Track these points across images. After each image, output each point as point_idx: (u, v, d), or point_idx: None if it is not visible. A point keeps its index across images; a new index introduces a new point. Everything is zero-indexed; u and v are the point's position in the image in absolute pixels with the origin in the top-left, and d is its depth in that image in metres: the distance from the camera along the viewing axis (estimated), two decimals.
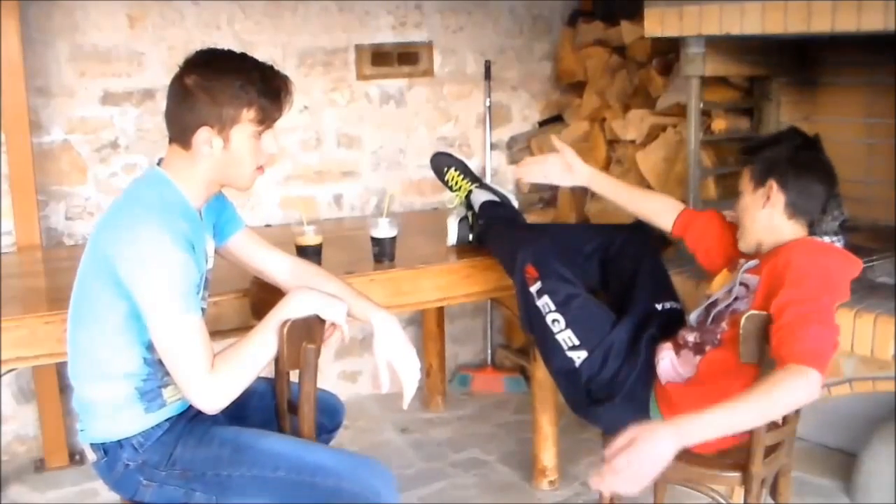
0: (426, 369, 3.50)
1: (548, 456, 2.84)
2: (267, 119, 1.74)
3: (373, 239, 2.56)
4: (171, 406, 1.81)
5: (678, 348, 2.05)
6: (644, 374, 2.06)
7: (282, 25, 3.31)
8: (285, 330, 1.73)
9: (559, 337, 2.14)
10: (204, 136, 1.70)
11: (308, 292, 1.81)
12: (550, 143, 2.49)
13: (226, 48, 1.80)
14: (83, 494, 2.82)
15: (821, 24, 2.33)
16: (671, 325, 2.17)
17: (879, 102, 2.90)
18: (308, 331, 1.77)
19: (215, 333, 2.27)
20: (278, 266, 2.05)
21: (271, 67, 1.76)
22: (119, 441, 1.78)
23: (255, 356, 1.73)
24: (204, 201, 1.82)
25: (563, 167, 2.39)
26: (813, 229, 2.00)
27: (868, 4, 2.21)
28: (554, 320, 2.15)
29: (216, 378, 1.67)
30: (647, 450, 1.51)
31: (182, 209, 1.74)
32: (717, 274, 2.27)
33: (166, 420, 1.81)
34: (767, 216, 2.00)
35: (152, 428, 1.79)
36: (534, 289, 2.19)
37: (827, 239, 1.99)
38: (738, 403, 1.63)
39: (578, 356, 2.12)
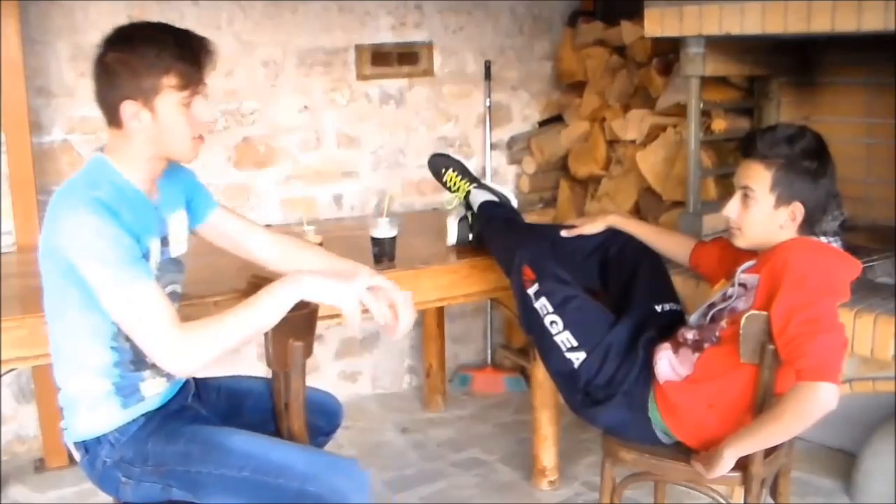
0: (426, 369, 3.50)
1: (548, 456, 2.84)
2: (190, 84, 1.69)
3: (373, 239, 2.56)
4: (149, 401, 1.80)
5: (677, 346, 2.05)
6: (642, 374, 2.06)
7: (282, 25, 3.31)
8: (270, 329, 1.69)
9: (557, 338, 2.14)
10: (130, 111, 1.67)
11: (318, 277, 1.71)
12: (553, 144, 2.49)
13: (142, 20, 1.78)
14: (83, 494, 2.82)
15: (821, 24, 2.33)
16: (671, 327, 2.17)
17: (879, 102, 2.91)
18: (294, 328, 1.74)
19: None
20: (259, 243, 2.03)
21: (187, 32, 1.73)
22: (98, 438, 1.77)
23: (239, 318, 1.65)
24: (151, 180, 1.79)
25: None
26: (813, 230, 1.99)
27: (868, 4, 2.21)
28: (552, 322, 2.14)
29: (184, 334, 1.61)
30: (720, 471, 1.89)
31: (121, 188, 1.71)
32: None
33: (142, 415, 1.79)
34: (781, 231, 1.97)
35: (128, 423, 1.77)
36: (531, 290, 2.19)
37: (825, 239, 1.99)
38: (773, 424, 1.82)
39: (577, 357, 2.11)
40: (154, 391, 1.81)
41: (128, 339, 1.69)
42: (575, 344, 2.12)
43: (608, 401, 2.08)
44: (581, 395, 2.14)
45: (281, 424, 1.94)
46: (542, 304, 2.16)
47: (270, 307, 1.67)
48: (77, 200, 1.63)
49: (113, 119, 1.71)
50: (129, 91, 1.67)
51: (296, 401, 1.82)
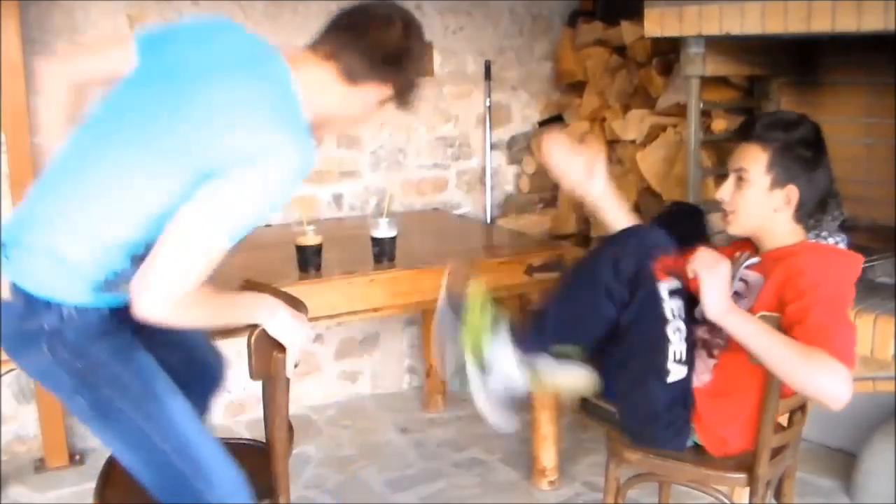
0: (426, 369, 3.50)
1: (548, 456, 2.84)
2: (400, 97, 1.77)
3: (373, 239, 2.57)
4: (120, 297, 1.63)
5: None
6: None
7: (282, 25, 3.31)
8: (253, 339, 1.65)
9: (671, 348, 1.88)
10: (376, 92, 1.73)
11: (289, 320, 1.68)
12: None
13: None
14: (83, 495, 2.82)
15: (821, 24, 2.33)
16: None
17: (879, 102, 2.90)
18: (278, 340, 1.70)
19: None
20: None
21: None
22: (49, 301, 1.60)
23: (222, 310, 1.63)
24: None
25: (586, 169, 2.08)
26: (813, 228, 1.98)
27: (868, 4, 2.21)
28: (676, 329, 1.88)
29: (181, 301, 1.52)
30: (709, 283, 1.77)
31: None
32: None
33: (108, 307, 1.64)
34: (776, 216, 1.95)
35: (91, 308, 1.62)
36: (667, 286, 1.87)
37: (831, 240, 1.98)
38: (778, 342, 1.73)
39: (680, 372, 1.89)
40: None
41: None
42: (683, 357, 1.90)
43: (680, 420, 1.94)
44: (663, 421, 1.93)
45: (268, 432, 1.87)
46: (674, 307, 1.88)
47: (240, 316, 1.66)
48: (298, 135, 1.56)
49: (352, 73, 1.69)
50: (392, 74, 1.72)
51: (278, 414, 1.76)
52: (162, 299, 1.52)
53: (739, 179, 1.96)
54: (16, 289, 1.61)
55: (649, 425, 1.96)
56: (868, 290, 2.43)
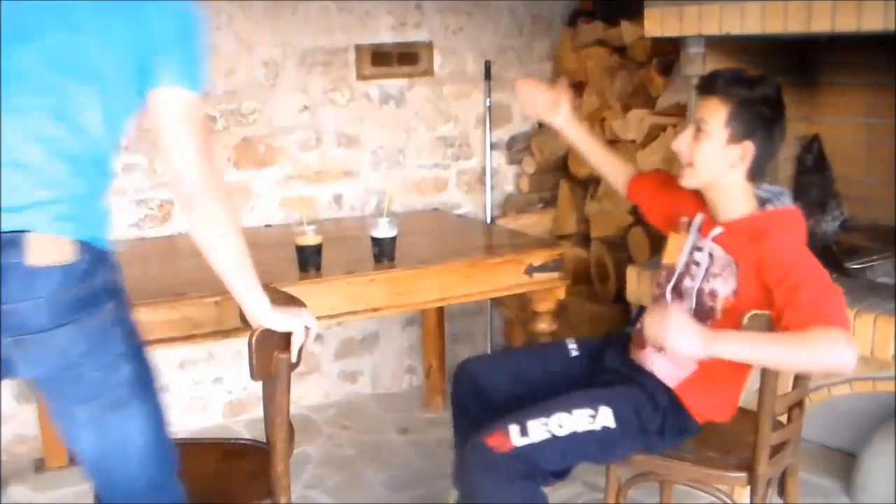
0: (426, 369, 3.50)
1: None
2: None
3: (373, 239, 2.57)
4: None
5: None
6: (660, 408, 1.98)
7: (282, 25, 3.31)
8: (254, 339, 1.66)
9: (566, 429, 1.97)
10: None
11: (280, 316, 1.69)
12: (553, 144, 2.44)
13: None
14: (83, 495, 2.81)
15: (821, 24, 2.34)
16: (603, 353, 2.17)
17: (879, 102, 2.91)
18: (280, 340, 1.71)
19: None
20: None
21: None
22: (103, 250, 1.49)
23: (241, 246, 1.60)
24: None
25: (551, 102, 2.31)
26: (759, 179, 1.98)
27: (868, 4, 2.22)
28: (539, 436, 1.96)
29: (212, 169, 1.50)
30: (676, 340, 1.73)
31: None
32: (664, 233, 2.20)
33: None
34: (731, 173, 1.94)
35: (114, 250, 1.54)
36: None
37: (786, 200, 1.97)
38: (775, 344, 1.73)
39: (582, 421, 1.96)
40: None
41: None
42: (568, 411, 1.97)
43: (658, 438, 2.00)
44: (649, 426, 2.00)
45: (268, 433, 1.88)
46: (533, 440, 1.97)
47: (250, 273, 1.64)
48: None
49: None
50: None
51: (279, 414, 1.76)
52: (197, 163, 1.49)
53: (698, 131, 1.96)
54: (85, 246, 1.45)
55: (645, 434, 1.98)
56: (868, 290, 2.44)
